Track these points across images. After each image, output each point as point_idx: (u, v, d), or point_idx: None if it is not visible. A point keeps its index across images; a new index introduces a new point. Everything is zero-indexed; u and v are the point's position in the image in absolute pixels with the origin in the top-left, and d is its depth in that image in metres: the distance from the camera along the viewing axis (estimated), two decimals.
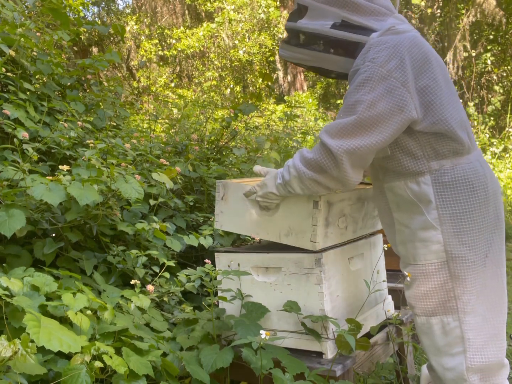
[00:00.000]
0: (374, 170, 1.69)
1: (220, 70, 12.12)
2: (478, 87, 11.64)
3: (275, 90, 13.41)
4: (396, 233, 1.65)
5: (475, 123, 10.69)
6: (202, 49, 12.09)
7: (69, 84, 3.21)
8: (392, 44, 1.45)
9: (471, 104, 10.77)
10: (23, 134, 2.08)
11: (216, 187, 1.88)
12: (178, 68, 13.20)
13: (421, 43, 1.52)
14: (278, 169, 1.66)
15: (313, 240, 1.66)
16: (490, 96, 11.43)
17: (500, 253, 1.57)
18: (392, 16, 1.57)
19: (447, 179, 1.50)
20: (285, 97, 12.28)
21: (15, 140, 2.03)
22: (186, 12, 13.82)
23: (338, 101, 13.34)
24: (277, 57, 12.66)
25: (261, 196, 1.67)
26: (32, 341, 1.19)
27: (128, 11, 14.77)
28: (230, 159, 3.69)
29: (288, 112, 4.64)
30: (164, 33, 12.74)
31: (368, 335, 1.82)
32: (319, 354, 1.68)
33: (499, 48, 11.51)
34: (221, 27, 11.74)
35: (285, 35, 1.72)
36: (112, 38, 11.35)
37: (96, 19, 13.62)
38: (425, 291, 1.55)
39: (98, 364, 1.29)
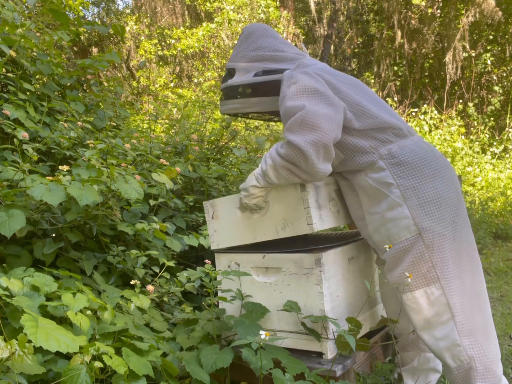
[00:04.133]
0: (339, 175, 1.84)
1: (219, 70, 12.11)
2: (478, 87, 11.63)
3: None
4: (368, 224, 1.75)
5: (475, 123, 10.69)
6: (202, 49, 12.08)
7: (69, 84, 3.21)
8: (305, 71, 1.72)
9: (470, 104, 10.76)
10: (23, 134, 2.08)
11: (204, 208, 1.94)
12: (178, 68, 13.19)
13: (329, 67, 1.84)
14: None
15: (310, 223, 1.67)
16: (490, 96, 11.42)
17: (467, 227, 1.68)
18: (304, 59, 1.84)
19: (399, 160, 1.66)
20: None
21: (15, 140, 2.03)
22: (186, 12, 13.82)
23: None
24: None
25: (246, 195, 1.75)
26: (29, 341, 1.19)
27: (128, 11, 14.76)
28: (230, 159, 3.69)
29: None
30: (164, 33, 12.73)
31: (368, 335, 1.82)
32: (319, 354, 1.68)
33: (499, 48, 11.51)
34: (221, 27, 11.74)
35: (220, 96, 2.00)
36: (112, 38, 11.35)
37: (96, 19, 13.62)
38: (406, 267, 1.63)
39: (98, 364, 1.29)
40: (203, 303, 1.96)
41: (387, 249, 1.70)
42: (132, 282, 1.92)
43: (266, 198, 1.77)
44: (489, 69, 11.30)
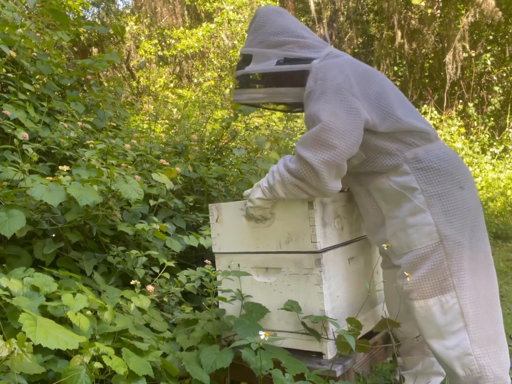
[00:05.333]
0: (354, 178, 1.78)
1: (219, 70, 12.11)
2: (478, 87, 11.63)
3: None
4: (386, 228, 1.71)
5: (475, 123, 10.68)
6: (201, 49, 12.08)
7: (69, 84, 3.21)
8: (336, 64, 1.64)
9: (470, 104, 10.76)
10: (23, 134, 2.08)
11: (209, 210, 1.92)
12: (178, 68, 13.19)
13: (358, 61, 1.74)
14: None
15: (314, 241, 1.66)
16: (490, 96, 11.42)
17: (484, 237, 1.66)
18: (327, 48, 1.76)
19: (425, 165, 1.62)
20: None
21: (15, 140, 2.03)
22: (186, 12, 13.82)
23: None
24: None
25: (252, 206, 1.72)
26: (28, 340, 1.19)
27: (128, 11, 14.76)
28: (230, 159, 3.69)
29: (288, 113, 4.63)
30: (164, 34, 12.73)
31: (368, 336, 1.82)
32: (319, 355, 1.68)
33: (499, 49, 11.50)
34: (221, 28, 11.74)
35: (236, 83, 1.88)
36: (112, 38, 11.35)
37: (96, 19, 13.62)
38: (423, 274, 1.60)
39: (97, 364, 1.29)
40: (203, 303, 1.96)
41: (385, 248, 1.69)
42: (132, 282, 1.92)
43: (272, 210, 1.75)
44: (489, 69, 11.30)
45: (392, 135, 1.64)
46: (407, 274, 1.61)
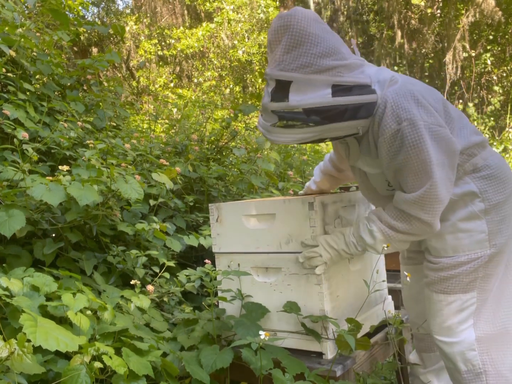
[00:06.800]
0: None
1: (219, 70, 12.11)
2: (478, 87, 11.63)
3: None
4: None
5: (475, 123, 10.69)
6: (201, 49, 12.08)
7: (69, 84, 3.21)
8: (409, 95, 1.45)
9: (470, 104, 10.76)
10: (23, 134, 2.08)
11: (209, 210, 1.90)
12: (177, 68, 13.19)
13: (415, 80, 1.58)
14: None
15: None
16: (489, 96, 11.42)
17: None
18: (365, 65, 1.55)
19: (485, 173, 1.58)
20: None
21: (15, 140, 2.03)
22: (186, 12, 13.82)
23: None
24: None
25: (330, 258, 1.63)
26: (28, 340, 1.19)
27: (128, 11, 14.76)
28: (230, 159, 3.69)
29: None
30: (164, 33, 12.73)
31: (368, 335, 1.82)
32: (319, 355, 1.68)
33: (499, 48, 11.50)
34: (220, 27, 11.74)
35: (266, 117, 1.48)
36: (111, 38, 11.35)
37: (96, 19, 13.62)
38: (456, 273, 1.59)
39: (98, 364, 1.29)
40: (203, 303, 1.96)
41: (385, 248, 1.64)
42: (132, 282, 1.92)
43: (274, 212, 1.74)
44: (489, 69, 11.30)
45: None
46: (406, 274, 1.61)
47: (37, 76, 3.03)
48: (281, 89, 1.42)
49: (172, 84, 12.06)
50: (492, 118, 10.99)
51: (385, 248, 1.69)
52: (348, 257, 1.69)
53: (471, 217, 1.58)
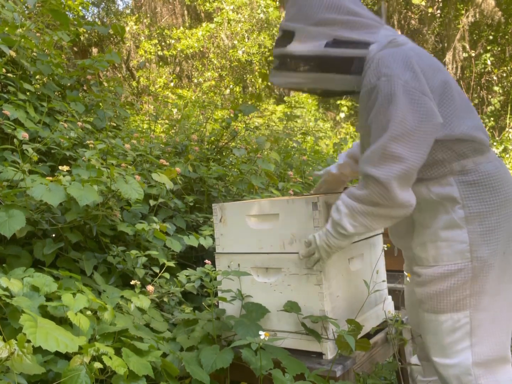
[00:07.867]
0: None
1: (219, 70, 12.12)
2: (478, 87, 11.64)
3: (275, 90, 13.41)
4: (415, 235, 1.61)
5: None
6: (201, 49, 12.09)
7: (69, 84, 3.21)
8: (401, 56, 1.42)
9: None
10: (23, 134, 2.08)
11: (213, 210, 1.89)
12: (177, 68, 13.20)
13: (424, 52, 1.52)
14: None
15: None
16: (489, 96, 11.43)
17: None
18: (382, 28, 1.55)
19: (472, 179, 1.48)
20: (285, 98, 12.27)
21: (15, 140, 2.03)
22: (186, 12, 13.83)
23: (338, 101, 13.32)
24: None
25: (325, 251, 1.58)
26: (28, 341, 1.19)
27: (128, 11, 14.77)
28: (230, 159, 3.69)
29: (288, 113, 4.65)
30: (164, 34, 12.74)
31: (368, 336, 1.82)
32: (319, 355, 1.68)
33: (499, 49, 11.51)
34: (220, 27, 11.75)
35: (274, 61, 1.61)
36: (111, 38, 11.35)
37: (96, 19, 13.62)
38: (442, 290, 1.51)
39: (97, 365, 1.29)
40: (203, 303, 1.96)
41: (385, 249, 1.63)
42: (132, 282, 1.92)
43: (278, 212, 1.73)
44: (489, 69, 11.30)
45: (443, 143, 1.48)
46: (406, 274, 1.60)
47: (37, 77, 3.03)
48: (284, 38, 1.55)
49: (172, 84, 12.07)
50: (492, 118, 10.99)
51: (385, 248, 1.69)
52: (334, 250, 1.57)
53: (451, 225, 1.49)
